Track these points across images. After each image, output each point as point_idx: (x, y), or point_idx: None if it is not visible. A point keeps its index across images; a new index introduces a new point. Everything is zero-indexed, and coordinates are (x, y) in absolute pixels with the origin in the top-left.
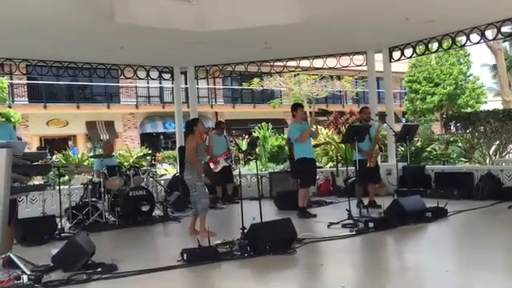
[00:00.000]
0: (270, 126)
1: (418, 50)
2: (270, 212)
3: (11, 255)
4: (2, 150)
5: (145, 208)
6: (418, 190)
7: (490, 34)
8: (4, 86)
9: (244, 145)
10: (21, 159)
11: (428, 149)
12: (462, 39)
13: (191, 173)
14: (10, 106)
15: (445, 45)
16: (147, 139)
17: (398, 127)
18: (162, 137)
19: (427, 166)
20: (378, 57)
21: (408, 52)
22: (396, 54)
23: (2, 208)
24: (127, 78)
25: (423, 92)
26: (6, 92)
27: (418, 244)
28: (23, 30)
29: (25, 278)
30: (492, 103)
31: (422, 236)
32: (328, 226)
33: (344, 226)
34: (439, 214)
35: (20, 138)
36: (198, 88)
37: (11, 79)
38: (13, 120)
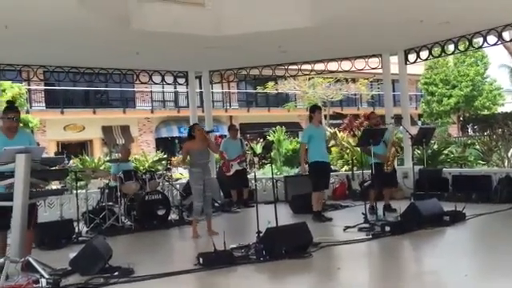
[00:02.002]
0: (285, 129)
1: (433, 52)
2: (285, 216)
3: (30, 259)
4: (21, 156)
5: (161, 212)
6: (435, 194)
7: (507, 35)
8: (22, 91)
9: (259, 148)
10: (39, 164)
11: (445, 152)
12: (479, 41)
13: (189, 176)
14: (27, 112)
15: (461, 46)
16: (162, 143)
17: (413, 130)
18: (176, 141)
19: (444, 169)
20: (394, 59)
21: (424, 54)
22: (412, 57)
23: (20, 212)
24: (143, 83)
25: (440, 94)
26: (24, 98)
27: (436, 248)
28: (41, 37)
29: (43, 282)
30: (510, 105)
31: (440, 240)
32: (344, 229)
33: (360, 229)
34: (457, 218)
35: (38, 144)
36: (212, 92)
37: (29, 85)
38: (31, 125)
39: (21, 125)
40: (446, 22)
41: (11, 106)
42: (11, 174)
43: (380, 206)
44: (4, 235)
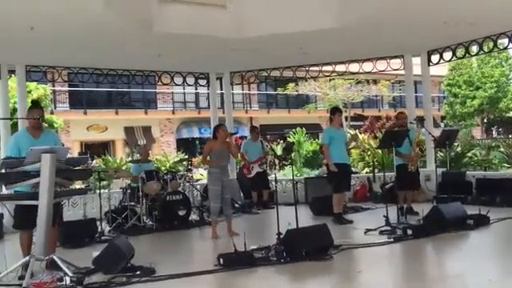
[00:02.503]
0: (305, 130)
1: (457, 53)
2: (305, 217)
3: (54, 257)
4: (46, 156)
5: (181, 212)
6: (459, 197)
7: None
8: (47, 92)
9: (279, 150)
10: (64, 164)
11: (468, 154)
12: (504, 42)
13: (208, 177)
14: (52, 112)
15: (486, 47)
16: (183, 144)
17: (436, 132)
18: (197, 142)
19: (468, 172)
20: (416, 60)
21: (447, 55)
22: (435, 58)
23: (46, 211)
24: (164, 85)
25: (463, 96)
26: (48, 99)
27: (460, 252)
28: (66, 39)
29: (67, 280)
30: None
31: (464, 244)
32: (365, 232)
33: (381, 232)
34: (481, 222)
35: (63, 144)
36: (232, 93)
37: (53, 86)
38: (55, 125)
39: (45, 125)
40: (470, 23)
41: (36, 106)
42: (37, 174)
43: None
44: (30, 234)
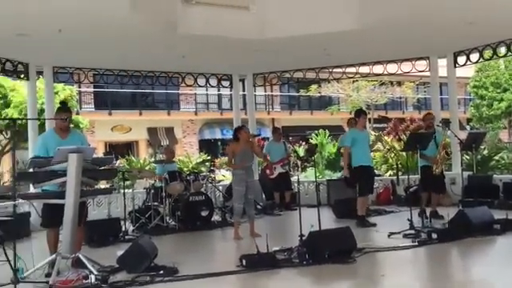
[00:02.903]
0: (327, 132)
1: (484, 55)
2: (328, 220)
3: (80, 255)
4: (73, 155)
5: (204, 213)
6: (485, 201)
7: None
8: (73, 93)
9: (301, 151)
10: (90, 164)
11: (496, 157)
12: None
13: (232, 178)
14: (78, 113)
15: None
16: (205, 145)
17: (462, 135)
18: (219, 143)
19: (495, 176)
20: (442, 62)
21: (474, 57)
22: (461, 59)
23: (72, 210)
24: (188, 86)
25: (490, 98)
26: (75, 99)
27: (486, 257)
28: (93, 41)
29: (92, 278)
30: None
31: (490, 249)
32: (388, 235)
33: (405, 236)
34: (508, 227)
35: (89, 144)
36: (255, 95)
37: (79, 87)
38: (81, 126)
39: (71, 125)
40: (496, 24)
41: (64, 107)
42: (64, 173)
43: (427, 212)
44: (56, 232)
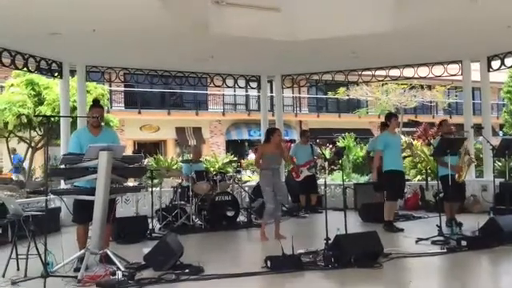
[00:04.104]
0: (354, 135)
1: None
2: (354, 224)
3: (108, 252)
4: (104, 153)
5: (230, 213)
6: None
7: None
8: (105, 92)
9: (328, 154)
10: (120, 162)
11: None
12: None
13: (261, 178)
14: (108, 112)
15: None
16: (232, 146)
17: (494, 141)
18: (246, 144)
19: None
20: (474, 66)
21: (509, 61)
22: (495, 63)
23: (101, 206)
24: (216, 86)
25: None
26: (106, 98)
27: None
28: (124, 42)
29: (119, 274)
30: None
31: None
32: (416, 241)
33: (434, 242)
34: None
35: (120, 142)
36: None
37: (110, 86)
38: (111, 124)
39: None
40: None
41: (96, 104)
42: (95, 170)
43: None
44: (86, 228)
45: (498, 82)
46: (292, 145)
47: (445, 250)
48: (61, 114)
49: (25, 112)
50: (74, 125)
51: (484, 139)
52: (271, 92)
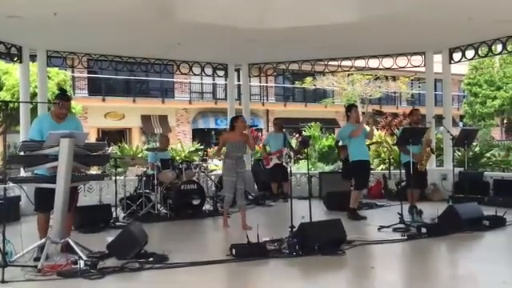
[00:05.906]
0: (321, 125)
1: (480, 52)
2: (319, 212)
3: (70, 241)
4: (65, 140)
5: (195, 202)
6: (475, 197)
7: None
8: (67, 78)
9: (294, 143)
10: (82, 149)
11: (487, 155)
12: None
13: (223, 167)
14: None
15: (510, 47)
16: (199, 134)
17: (455, 131)
18: (213, 133)
19: (486, 173)
20: (436, 58)
21: (469, 53)
22: (456, 56)
23: (62, 195)
24: (183, 74)
25: (483, 95)
26: (68, 85)
27: (473, 253)
28: (87, 26)
29: (81, 263)
30: None
31: (478, 245)
32: (378, 229)
33: (395, 230)
34: (497, 223)
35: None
36: (250, 85)
37: (73, 72)
38: (74, 111)
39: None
40: (496, 21)
41: (62, 94)
42: (55, 158)
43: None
44: (47, 216)
45: (459, 73)
46: (258, 134)
47: (405, 237)
48: (20, 100)
49: None
50: (34, 111)
51: (444, 129)
52: (238, 81)
